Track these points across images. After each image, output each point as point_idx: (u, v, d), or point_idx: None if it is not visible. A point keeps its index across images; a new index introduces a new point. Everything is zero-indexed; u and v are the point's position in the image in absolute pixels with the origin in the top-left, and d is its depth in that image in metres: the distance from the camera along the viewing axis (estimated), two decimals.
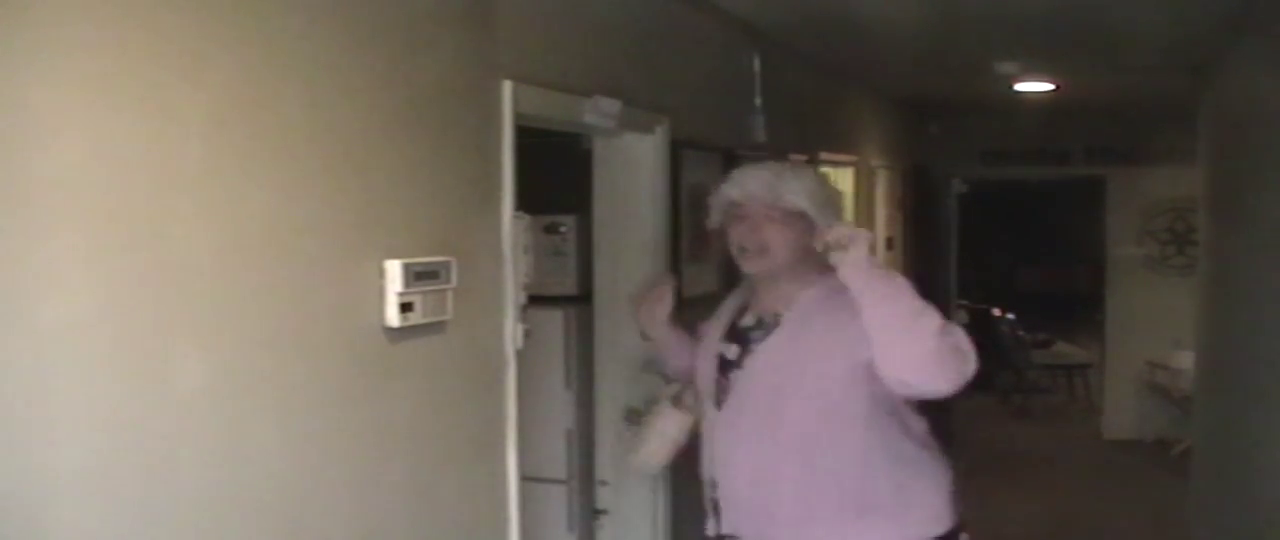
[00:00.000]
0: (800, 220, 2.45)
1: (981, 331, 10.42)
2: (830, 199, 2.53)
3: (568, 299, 3.87)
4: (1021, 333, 10.97)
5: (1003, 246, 15.15)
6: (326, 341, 2.20)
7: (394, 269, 2.33)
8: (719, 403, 2.57)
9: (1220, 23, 4.60)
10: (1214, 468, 5.47)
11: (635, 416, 3.14)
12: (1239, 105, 4.79)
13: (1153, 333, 8.71)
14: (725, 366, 2.58)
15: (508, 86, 2.76)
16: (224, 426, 1.94)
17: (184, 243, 1.84)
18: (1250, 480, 4.29)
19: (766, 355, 2.49)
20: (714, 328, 2.69)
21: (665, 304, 2.77)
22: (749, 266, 2.53)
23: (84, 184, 1.67)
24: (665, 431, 2.74)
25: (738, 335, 2.59)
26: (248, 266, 1.98)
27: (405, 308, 2.36)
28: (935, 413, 2.66)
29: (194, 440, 1.88)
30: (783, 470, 2.45)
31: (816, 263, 2.48)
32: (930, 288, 8.94)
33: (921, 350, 2.23)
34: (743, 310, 2.64)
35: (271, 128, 2.03)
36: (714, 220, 2.60)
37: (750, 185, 2.47)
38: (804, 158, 5.47)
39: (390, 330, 2.35)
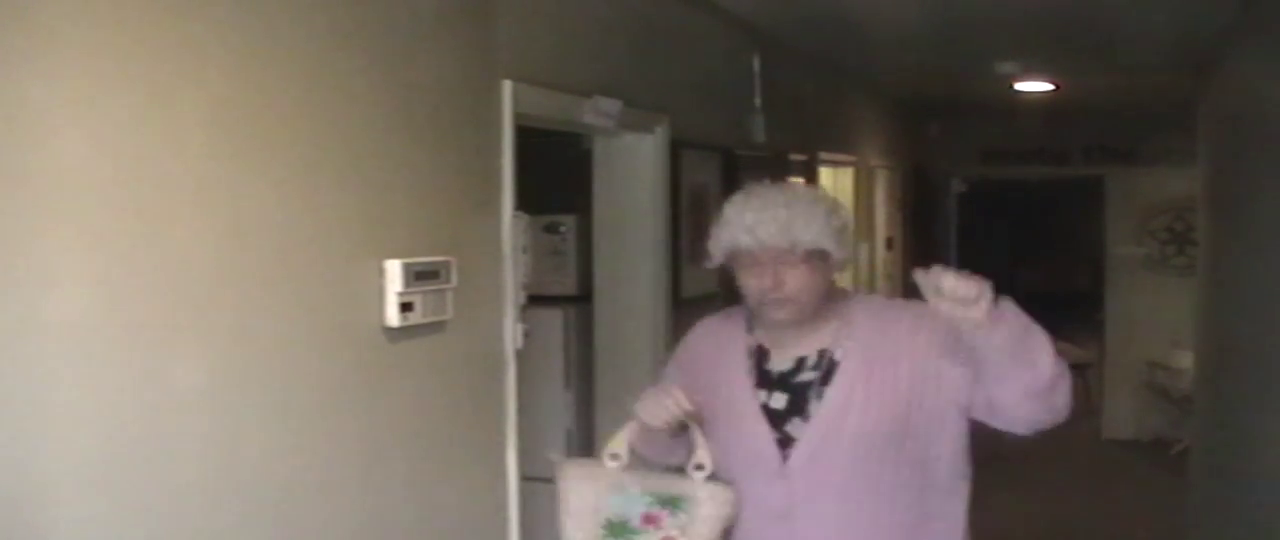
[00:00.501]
0: (821, 258, 2.21)
1: None
2: (846, 224, 2.28)
3: (568, 299, 3.88)
4: None
5: (1003, 246, 15.14)
6: (326, 341, 2.20)
7: (394, 269, 2.33)
8: (785, 456, 2.23)
9: (1220, 23, 4.60)
10: (1213, 468, 5.47)
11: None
12: (1239, 105, 4.79)
13: (1153, 333, 8.71)
14: (774, 418, 2.26)
15: (508, 86, 2.76)
16: (223, 426, 1.94)
17: (184, 242, 1.84)
18: (1250, 480, 4.29)
19: (843, 399, 2.21)
20: (729, 374, 2.33)
21: (683, 405, 2.21)
22: (777, 315, 2.25)
23: (84, 183, 1.67)
24: (719, 515, 2.24)
25: (777, 382, 2.29)
26: (247, 266, 1.98)
27: (405, 308, 2.36)
28: None
29: (194, 439, 1.88)
30: (884, 522, 2.22)
31: (834, 289, 2.30)
32: None
33: (1057, 412, 2.13)
34: (760, 352, 2.32)
35: (272, 127, 2.03)
36: (715, 261, 2.29)
37: (763, 233, 2.16)
38: (804, 158, 5.47)
39: (390, 330, 2.35)
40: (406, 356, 2.42)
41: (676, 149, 3.83)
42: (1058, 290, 14.52)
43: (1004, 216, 14.40)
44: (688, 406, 2.17)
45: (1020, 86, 6.90)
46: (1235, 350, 4.81)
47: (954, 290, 1.92)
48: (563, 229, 3.94)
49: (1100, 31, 4.98)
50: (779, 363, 2.29)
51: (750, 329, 2.35)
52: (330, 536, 2.22)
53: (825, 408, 2.21)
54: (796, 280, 2.19)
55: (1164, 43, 5.30)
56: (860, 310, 2.29)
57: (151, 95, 1.77)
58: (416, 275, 2.38)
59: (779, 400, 2.26)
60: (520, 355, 2.85)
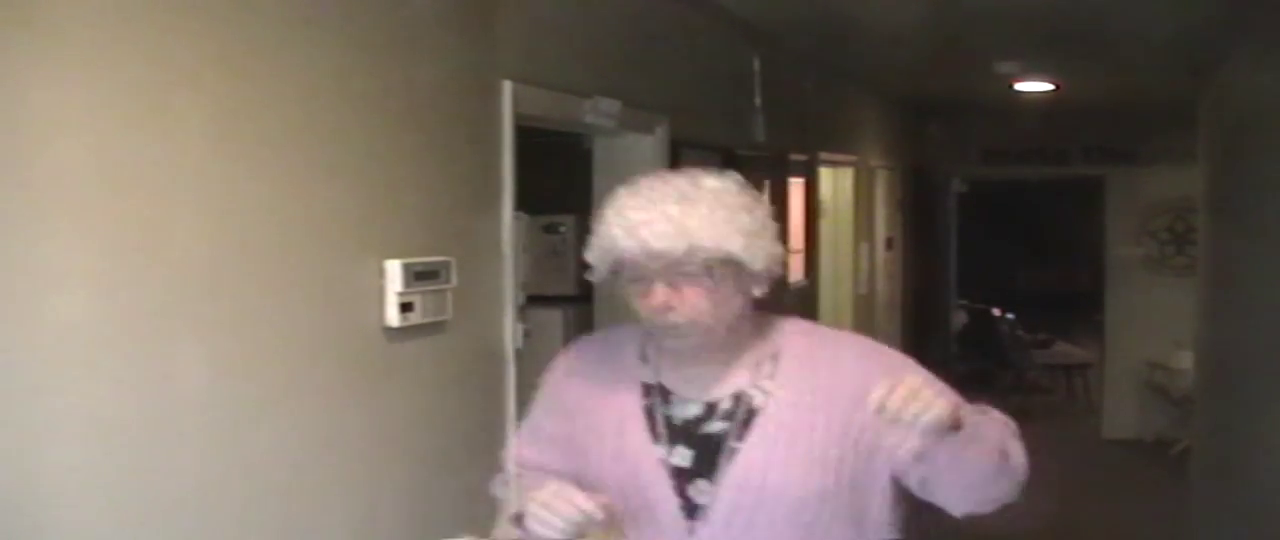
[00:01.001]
0: (730, 269, 1.74)
1: (981, 331, 10.46)
2: (765, 225, 1.78)
3: (567, 299, 3.88)
4: (1021, 333, 10.97)
5: (1003, 247, 15.15)
6: (326, 341, 2.20)
7: (394, 269, 2.33)
8: (691, 528, 1.79)
9: (1220, 23, 4.60)
10: (1214, 468, 5.48)
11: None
12: (1239, 105, 4.79)
13: (1153, 333, 8.72)
14: (678, 476, 1.80)
15: (508, 86, 2.76)
16: (223, 426, 1.94)
17: (184, 243, 1.84)
18: (1250, 480, 4.29)
19: (761, 458, 1.78)
20: (620, 423, 1.86)
21: (588, 510, 1.69)
22: (679, 341, 1.79)
23: (85, 184, 1.67)
24: None
25: (680, 431, 1.82)
26: (248, 266, 1.98)
27: (405, 308, 2.36)
28: None
29: (193, 440, 1.88)
30: None
31: (758, 314, 1.86)
32: (930, 288, 8.96)
33: (997, 503, 1.87)
34: (660, 393, 1.85)
35: (272, 128, 2.03)
36: (599, 274, 1.87)
37: (649, 235, 1.71)
38: (804, 158, 5.47)
39: (390, 330, 2.35)
40: (406, 356, 2.42)
41: (676, 149, 3.83)
42: (1058, 290, 14.57)
43: (1004, 216, 14.40)
44: (597, 513, 1.68)
45: (1020, 86, 6.90)
46: (1236, 350, 4.81)
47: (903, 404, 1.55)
48: (563, 229, 3.95)
49: (1100, 32, 4.98)
50: (683, 407, 1.83)
51: (644, 358, 1.88)
52: (330, 536, 2.22)
53: (738, 468, 1.78)
54: (696, 297, 1.73)
55: (1164, 43, 5.30)
56: (790, 343, 1.86)
57: (152, 96, 1.77)
58: (416, 275, 2.38)
59: (682, 456, 1.81)
60: (520, 355, 2.85)
